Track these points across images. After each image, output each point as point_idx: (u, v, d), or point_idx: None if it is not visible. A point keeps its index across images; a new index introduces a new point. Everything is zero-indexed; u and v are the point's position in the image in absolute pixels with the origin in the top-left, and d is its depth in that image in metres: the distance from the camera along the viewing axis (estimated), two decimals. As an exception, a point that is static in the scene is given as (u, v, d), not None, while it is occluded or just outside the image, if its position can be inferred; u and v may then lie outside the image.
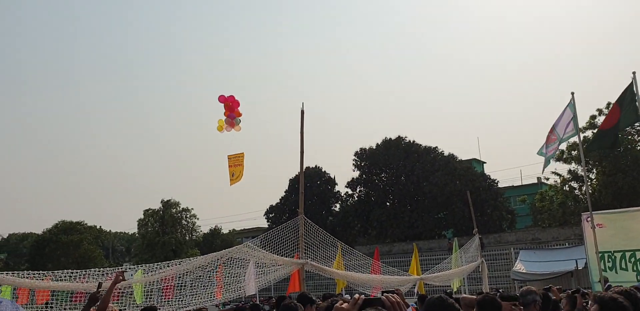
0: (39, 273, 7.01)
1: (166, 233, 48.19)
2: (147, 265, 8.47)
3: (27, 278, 6.91)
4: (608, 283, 12.06)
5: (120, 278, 5.39)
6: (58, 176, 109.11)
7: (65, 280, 7.01)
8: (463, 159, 44.43)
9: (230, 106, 9.52)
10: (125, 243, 77.05)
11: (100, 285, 5.46)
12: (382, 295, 2.40)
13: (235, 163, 9.37)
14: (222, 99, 9.52)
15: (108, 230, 70.59)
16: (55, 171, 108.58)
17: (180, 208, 50.89)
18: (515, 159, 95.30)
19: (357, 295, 2.48)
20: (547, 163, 13.42)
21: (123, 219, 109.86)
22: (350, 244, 18.54)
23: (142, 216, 50.27)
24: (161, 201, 50.50)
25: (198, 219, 52.15)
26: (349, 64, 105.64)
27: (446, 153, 43.27)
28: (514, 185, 50.43)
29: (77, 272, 7.26)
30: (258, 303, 13.03)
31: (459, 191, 38.27)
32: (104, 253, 57.44)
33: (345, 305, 2.41)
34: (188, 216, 51.22)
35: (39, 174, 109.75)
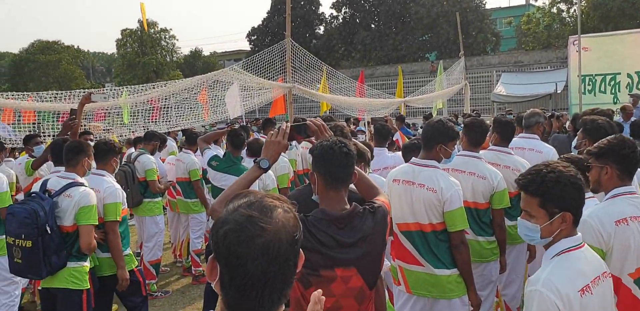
0: (23, 94, 6.88)
1: (146, 53, 47.17)
2: (132, 86, 8.35)
3: (9, 98, 6.80)
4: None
5: (88, 100, 5.28)
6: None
7: (49, 100, 6.92)
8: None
9: None
10: (105, 64, 75.88)
11: (72, 111, 5.37)
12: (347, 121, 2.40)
13: (144, 12, 10.13)
14: None
15: (86, 50, 68.83)
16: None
17: (159, 28, 49.06)
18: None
19: (283, 124, 2.46)
20: None
21: (101, 40, 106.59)
22: (334, 68, 18.37)
23: (120, 36, 48.66)
24: (138, 21, 48.41)
25: (178, 40, 50.82)
26: None
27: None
28: (502, 6, 48.76)
29: (61, 93, 7.15)
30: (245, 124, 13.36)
31: (446, 12, 36.98)
32: (84, 73, 56.86)
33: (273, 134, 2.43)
34: (167, 36, 49.64)
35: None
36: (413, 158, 3.65)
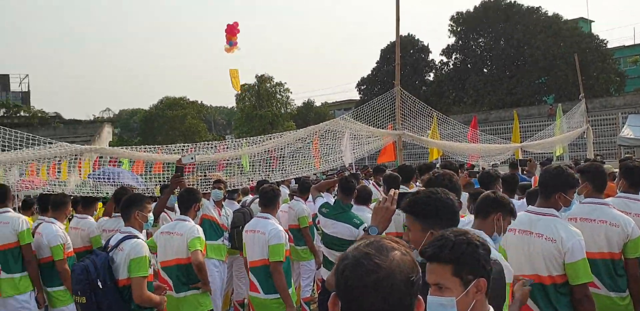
0: (153, 147, 7.50)
1: (262, 106, 49.73)
2: (251, 138, 8.83)
3: (143, 151, 7.45)
4: None
5: (180, 163, 5.82)
6: (161, 57, 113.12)
7: (177, 152, 7.48)
8: (569, 19, 40.66)
9: (231, 32, 10.91)
10: (225, 117, 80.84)
11: (177, 168, 5.84)
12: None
13: (233, 75, 10.96)
14: (228, 29, 10.90)
15: (209, 105, 73.87)
16: (158, 51, 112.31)
17: (274, 83, 51.73)
18: (627, 17, 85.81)
19: (392, 191, 2.43)
20: None
21: (222, 95, 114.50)
22: (445, 114, 18.15)
23: (240, 91, 51.76)
24: (256, 76, 51.47)
25: (291, 93, 53.03)
26: None
27: (550, 13, 39.70)
28: (625, 45, 45.92)
29: (187, 145, 7.71)
30: (355, 172, 13.46)
31: (563, 53, 35.62)
32: (207, 127, 60.80)
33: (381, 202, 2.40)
34: (282, 90, 52.11)
35: (144, 55, 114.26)
36: (530, 206, 3.50)
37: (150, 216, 4.20)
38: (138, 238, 3.97)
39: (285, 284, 4.40)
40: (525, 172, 9.47)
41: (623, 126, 25.07)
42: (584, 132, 16.76)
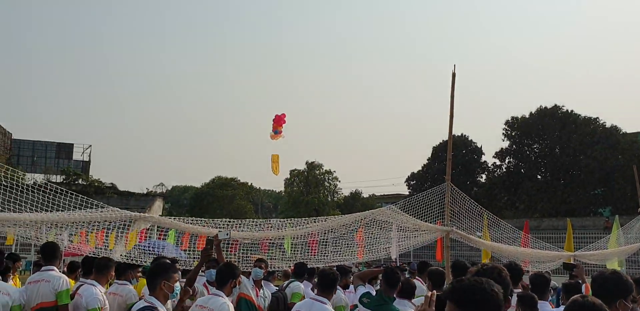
0: (201, 220, 7.60)
1: (310, 193, 50.16)
2: (295, 219, 8.84)
3: (190, 223, 7.57)
4: None
5: (216, 238, 5.98)
6: (217, 136, 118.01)
7: (223, 227, 7.54)
8: (628, 131, 40.27)
9: (278, 122, 11.52)
10: (272, 200, 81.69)
11: (208, 241, 5.94)
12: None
13: (274, 160, 11.54)
14: (276, 118, 11.57)
15: (258, 187, 75.17)
16: (214, 132, 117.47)
17: (324, 170, 52.50)
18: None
19: (429, 292, 2.33)
20: None
21: (272, 179, 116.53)
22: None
23: (289, 176, 52.71)
24: (306, 163, 52.54)
25: (340, 181, 53.53)
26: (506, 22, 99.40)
27: (608, 125, 39.53)
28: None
29: (233, 221, 7.78)
30: (400, 266, 13.09)
31: (621, 166, 34.89)
32: (253, 208, 61.38)
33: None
34: (330, 178, 52.71)
35: (201, 133, 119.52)
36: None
37: (177, 286, 4.17)
38: (159, 310, 3.90)
39: None
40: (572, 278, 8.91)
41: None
42: (643, 247, 15.89)
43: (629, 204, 33.24)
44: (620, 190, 35.20)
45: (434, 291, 2.41)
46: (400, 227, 10.20)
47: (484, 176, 45.61)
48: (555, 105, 41.44)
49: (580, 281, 6.63)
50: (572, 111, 40.99)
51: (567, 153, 39.15)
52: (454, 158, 40.00)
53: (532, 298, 4.24)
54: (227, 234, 6.15)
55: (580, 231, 28.84)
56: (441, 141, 44.65)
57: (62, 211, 6.39)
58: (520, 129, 42.42)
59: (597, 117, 40.10)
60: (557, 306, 6.62)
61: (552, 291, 6.52)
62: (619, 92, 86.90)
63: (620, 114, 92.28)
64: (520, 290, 4.82)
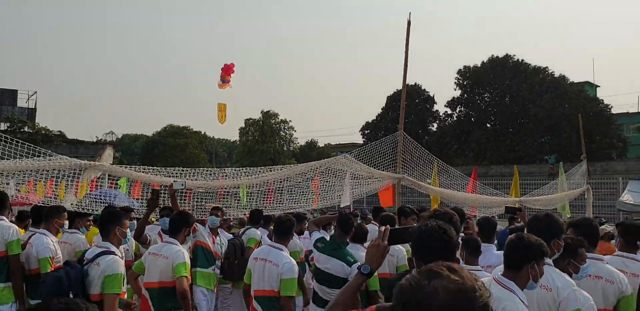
0: (153, 169, 7.50)
1: (265, 142, 50.02)
2: (251, 168, 8.84)
3: (142, 172, 7.46)
4: None
5: (171, 187, 6.04)
6: (170, 84, 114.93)
7: (176, 176, 7.47)
8: (575, 81, 41.40)
9: (226, 71, 11.59)
10: (227, 150, 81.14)
11: (154, 191, 5.96)
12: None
13: (220, 109, 11.72)
14: (224, 68, 11.57)
15: (212, 136, 74.34)
16: (168, 78, 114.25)
17: (279, 119, 52.21)
18: (633, 84, 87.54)
19: (382, 227, 2.41)
20: None
21: (225, 127, 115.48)
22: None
23: (243, 125, 52.26)
24: (261, 112, 52.07)
25: (295, 131, 53.50)
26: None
27: (557, 74, 40.44)
28: (630, 112, 46.56)
29: (187, 170, 7.71)
30: (353, 212, 13.38)
31: (568, 115, 36.06)
32: (207, 158, 60.92)
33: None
34: (286, 127, 52.54)
35: (153, 81, 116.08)
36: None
37: (128, 232, 4.20)
38: (115, 254, 3.93)
39: None
40: (516, 222, 9.34)
41: (623, 191, 25.11)
42: (584, 193, 16.76)
43: (573, 152, 34.66)
44: (566, 138, 36.51)
45: (387, 226, 2.48)
46: (354, 175, 10.37)
47: (435, 125, 46.37)
48: (507, 54, 41.92)
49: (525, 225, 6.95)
50: (522, 60, 41.60)
51: (517, 102, 40.04)
52: (407, 107, 40.42)
53: (475, 241, 4.43)
54: (183, 184, 6.12)
55: (526, 177, 30.03)
56: (395, 90, 44.85)
57: (7, 159, 6.18)
58: (471, 79, 42.91)
59: (547, 67, 40.93)
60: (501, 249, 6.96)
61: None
62: (567, 43, 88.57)
63: (568, 64, 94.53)
64: (463, 234, 5.03)
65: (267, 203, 9.30)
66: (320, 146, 57.06)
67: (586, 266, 3.53)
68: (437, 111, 46.23)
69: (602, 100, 39.36)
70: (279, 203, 9.13)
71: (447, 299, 1.21)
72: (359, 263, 4.31)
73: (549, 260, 3.28)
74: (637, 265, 4.19)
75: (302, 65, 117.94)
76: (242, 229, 6.98)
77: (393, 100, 44.39)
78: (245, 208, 9.16)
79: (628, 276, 3.99)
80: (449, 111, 45.12)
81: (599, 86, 50.26)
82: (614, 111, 39.37)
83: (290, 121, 52.84)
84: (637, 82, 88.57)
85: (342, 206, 10.26)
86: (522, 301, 2.77)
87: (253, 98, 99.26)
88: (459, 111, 44.44)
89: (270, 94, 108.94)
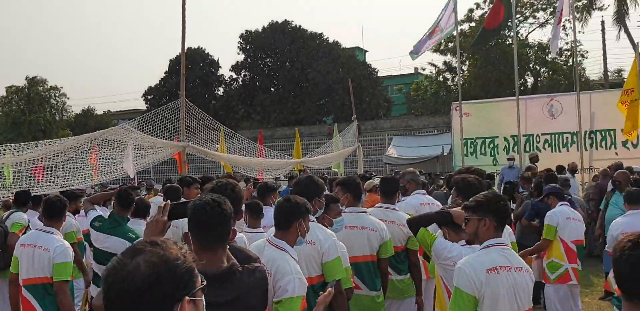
0: None
1: (33, 112, 44.89)
2: (14, 144, 7.92)
3: None
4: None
5: None
6: None
7: None
8: (347, 47, 44.57)
9: None
10: (-15, 122, 70.98)
11: None
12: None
13: None
14: None
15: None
16: None
17: (49, 86, 47.15)
18: (395, 50, 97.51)
19: (162, 202, 2.45)
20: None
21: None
22: (234, 129, 18.40)
23: (5, 94, 46.15)
24: (26, 78, 46.38)
25: (69, 98, 48.87)
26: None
27: (331, 40, 43.08)
28: (393, 74, 51.98)
29: None
30: (137, 185, 12.91)
31: (341, 78, 38.85)
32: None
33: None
34: (57, 94, 47.69)
35: None
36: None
37: None
38: None
39: (71, 304, 4.13)
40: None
41: (389, 147, 28.23)
42: (356, 150, 18.43)
43: (346, 113, 37.65)
44: (339, 101, 39.41)
45: (168, 201, 2.45)
46: (136, 146, 9.94)
47: (221, 89, 46.30)
48: (285, 20, 43.23)
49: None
50: (300, 26, 43.33)
51: (297, 67, 41.81)
52: (191, 71, 39.68)
53: (257, 204, 4.64)
54: None
55: (308, 138, 31.95)
56: (178, 54, 43.41)
57: None
58: (254, 43, 43.49)
59: (322, 33, 43.22)
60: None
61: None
62: (341, 11, 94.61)
63: (340, 30, 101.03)
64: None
65: (36, 181, 8.46)
66: (99, 114, 53.09)
67: (341, 219, 3.93)
68: (222, 75, 46.12)
69: (370, 64, 43.18)
70: (51, 181, 8.36)
71: (150, 272, 1.25)
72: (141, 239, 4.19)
73: (312, 217, 3.58)
74: (395, 214, 4.81)
75: (76, 25, 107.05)
76: (6, 213, 6.25)
77: (176, 64, 42.89)
78: (11, 189, 8.22)
79: (387, 224, 4.58)
80: (234, 75, 45.38)
81: (367, 51, 54.88)
82: (380, 74, 43.58)
83: (62, 87, 48.07)
84: (398, 47, 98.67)
85: (131, 176, 9.84)
86: (292, 257, 3.00)
87: (16, 63, 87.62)
88: (244, 75, 44.92)
89: (38, 58, 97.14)
